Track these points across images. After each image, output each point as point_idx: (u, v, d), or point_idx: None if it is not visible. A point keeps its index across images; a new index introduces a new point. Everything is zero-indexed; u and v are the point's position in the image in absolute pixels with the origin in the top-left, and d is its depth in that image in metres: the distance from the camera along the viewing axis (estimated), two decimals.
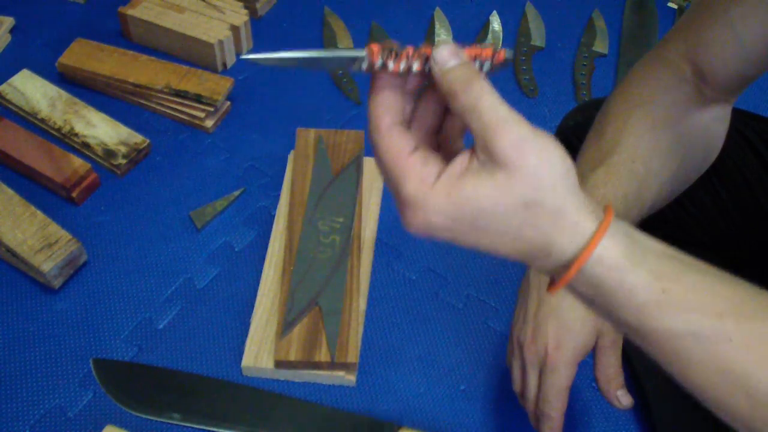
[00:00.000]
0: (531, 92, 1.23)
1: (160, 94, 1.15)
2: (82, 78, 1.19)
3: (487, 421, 0.86)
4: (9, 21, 1.27)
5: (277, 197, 1.04)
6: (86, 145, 1.09)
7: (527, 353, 0.68)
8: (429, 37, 1.31)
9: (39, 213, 0.97)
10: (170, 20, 1.23)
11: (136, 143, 1.09)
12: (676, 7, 1.39)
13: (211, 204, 1.05)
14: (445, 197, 0.41)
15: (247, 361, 0.88)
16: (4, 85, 1.16)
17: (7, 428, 0.84)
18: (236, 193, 1.07)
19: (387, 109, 0.43)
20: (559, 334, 0.65)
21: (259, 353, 0.88)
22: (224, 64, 1.24)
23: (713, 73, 0.66)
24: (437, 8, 1.36)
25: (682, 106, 0.69)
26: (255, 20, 1.31)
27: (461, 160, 0.42)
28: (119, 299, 0.95)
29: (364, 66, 0.42)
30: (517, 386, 0.71)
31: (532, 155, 0.40)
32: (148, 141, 1.10)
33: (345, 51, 0.43)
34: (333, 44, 1.29)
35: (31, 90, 1.16)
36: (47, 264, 0.92)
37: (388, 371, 0.90)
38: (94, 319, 0.93)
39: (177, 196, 1.07)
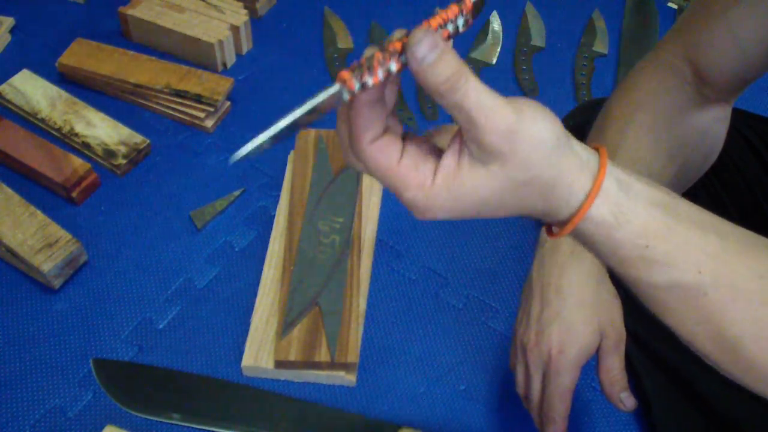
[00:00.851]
0: (531, 92, 1.23)
1: (160, 94, 1.15)
2: (82, 78, 1.19)
3: (488, 421, 0.86)
4: (9, 21, 1.27)
5: (277, 197, 1.04)
6: (86, 145, 1.09)
7: (530, 357, 0.68)
8: None
9: (39, 213, 0.97)
10: (170, 20, 1.23)
11: (136, 143, 1.09)
12: (676, 7, 1.39)
13: (211, 204, 1.05)
14: (447, 194, 0.42)
15: (247, 361, 0.88)
16: (4, 85, 1.16)
17: (7, 428, 0.84)
18: (236, 193, 1.07)
19: (365, 125, 0.42)
20: (562, 338, 0.65)
21: (259, 353, 0.88)
22: (224, 64, 1.24)
23: (712, 74, 0.66)
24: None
25: (682, 107, 0.69)
26: (255, 20, 1.31)
27: (452, 155, 0.43)
28: (119, 299, 0.95)
29: (346, 96, 0.40)
30: (520, 389, 0.71)
31: (522, 142, 0.41)
32: (148, 141, 1.10)
33: (319, 95, 0.40)
34: (333, 44, 1.29)
35: (31, 90, 1.16)
36: (47, 264, 0.92)
37: (388, 371, 0.90)
38: (94, 319, 0.93)
39: (177, 196, 1.07)
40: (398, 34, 0.41)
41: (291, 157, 1.07)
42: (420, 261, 1.00)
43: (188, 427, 0.84)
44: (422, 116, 1.18)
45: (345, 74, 0.40)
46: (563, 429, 0.68)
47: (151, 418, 0.84)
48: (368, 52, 0.41)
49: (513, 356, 0.72)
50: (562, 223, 0.45)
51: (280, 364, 0.87)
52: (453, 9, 0.42)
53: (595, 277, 0.66)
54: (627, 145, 0.67)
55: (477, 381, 0.89)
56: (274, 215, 1.02)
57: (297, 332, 0.87)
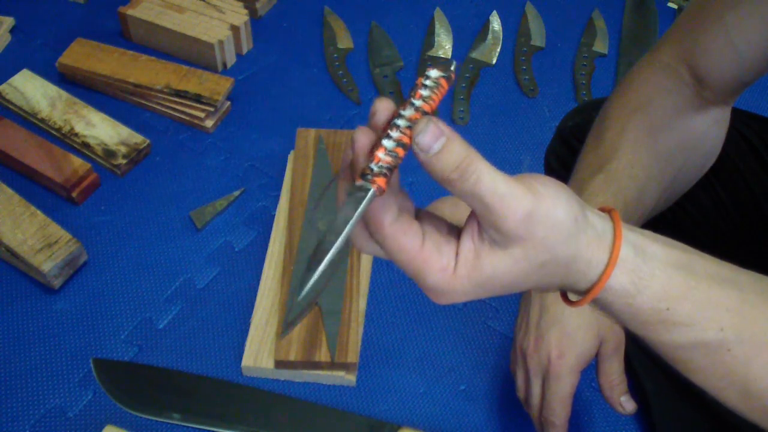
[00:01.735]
0: (531, 92, 1.23)
1: (160, 94, 1.15)
2: (82, 78, 1.19)
3: (487, 421, 0.86)
4: (9, 21, 1.27)
5: (277, 197, 1.04)
6: (86, 145, 1.09)
7: (530, 362, 0.68)
8: (429, 37, 1.31)
9: (39, 213, 0.97)
10: (170, 20, 1.23)
11: (136, 143, 1.09)
12: (676, 7, 1.39)
13: (211, 204, 1.05)
14: (468, 280, 0.42)
15: (247, 361, 0.88)
16: (4, 85, 1.16)
17: (7, 428, 0.84)
18: (236, 193, 1.07)
19: (384, 208, 0.41)
20: (561, 343, 0.65)
21: (259, 353, 0.88)
22: (224, 64, 1.24)
23: (710, 77, 0.66)
24: (437, 8, 1.36)
25: (680, 109, 0.69)
26: (255, 20, 1.31)
27: (470, 238, 0.42)
28: (119, 299, 0.95)
29: (378, 194, 0.39)
30: (521, 393, 0.71)
31: (540, 224, 0.40)
32: (148, 141, 1.10)
33: (355, 211, 0.38)
34: (333, 44, 1.29)
35: (31, 90, 1.16)
36: (47, 264, 0.92)
37: (388, 371, 0.90)
38: (94, 319, 0.93)
39: (177, 196, 1.07)
40: (404, 115, 0.40)
41: (291, 157, 1.07)
42: None
43: (188, 427, 0.84)
44: None
45: (381, 182, 0.39)
46: None
47: (151, 418, 0.84)
48: (360, 136, 0.40)
49: (513, 361, 0.72)
50: (581, 293, 0.44)
51: (280, 364, 0.87)
52: (441, 90, 0.41)
53: None
54: (625, 148, 0.67)
55: (477, 381, 0.89)
56: (274, 215, 1.02)
57: (297, 332, 0.87)
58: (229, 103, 1.17)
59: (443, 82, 0.40)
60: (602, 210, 0.45)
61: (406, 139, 0.39)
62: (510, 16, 1.36)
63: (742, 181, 0.81)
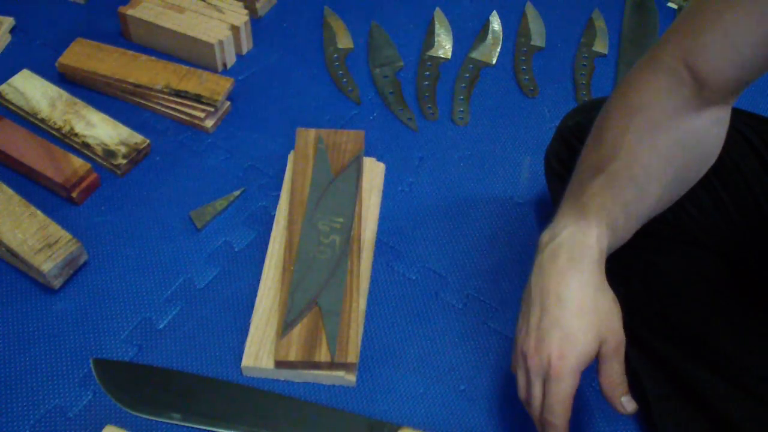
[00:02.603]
0: (531, 92, 1.23)
1: (160, 94, 1.15)
2: (82, 78, 1.19)
3: (487, 421, 0.86)
4: (9, 21, 1.27)
5: (277, 197, 1.04)
6: (86, 145, 1.09)
7: (531, 363, 0.68)
8: (429, 37, 1.31)
9: (39, 213, 0.97)
10: (170, 20, 1.23)
11: (136, 143, 1.09)
12: (676, 7, 1.39)
13: (211, 204, 1.05)
14: None
15: (247, 361, 0.88)
16: (4, 85, 1.16)
17: (7, 428, 0.84)
18: (236, 193, 1.07)
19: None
20: (562, 344, 0.65)
21: (259, 353, 0.88)
22: (224, 64, 1.24)
23: (709, 77, 0.66)
24: (437, 8, 1.36)
25: (680, 109, 0.69)
26: (255, 20, 1.31)
27: None
28: (119, 299, 0.95)
29: None
30: (522, 394, 0.71)
31: None
32: (148, 141, 1.10)
33: None
34: (333, 44, 1.29)
35: (31, 90, 1.16)
36: (47, 264, 0.92)
37: (388, 371, 0.90)
38: (94, 319, 0.93)
39: (177, 196, 1.07)
40: None
41: (291, 157, 1.07)
42: (420, 261, 1.00)
43: (188, 427, 0.84)
44: (422, 116, 1.18)
45: None
46: None
47: (151, 418, 0.84)
48: None
49: (515, 362, 0.72)
50: None
51: (280, 364, 0.87)
52: None
53: (594, 284, 0.66)
54: (626, 149, 0.67)
55: (477, 381, 0.89)
56: (274, 215, 1.02)
57: (297, 332, 0.87)
58: (229, 103, 1.17)
59: None
60: None
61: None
62: (510, 16, 1.36)
63: (742, 181, 0.81)
